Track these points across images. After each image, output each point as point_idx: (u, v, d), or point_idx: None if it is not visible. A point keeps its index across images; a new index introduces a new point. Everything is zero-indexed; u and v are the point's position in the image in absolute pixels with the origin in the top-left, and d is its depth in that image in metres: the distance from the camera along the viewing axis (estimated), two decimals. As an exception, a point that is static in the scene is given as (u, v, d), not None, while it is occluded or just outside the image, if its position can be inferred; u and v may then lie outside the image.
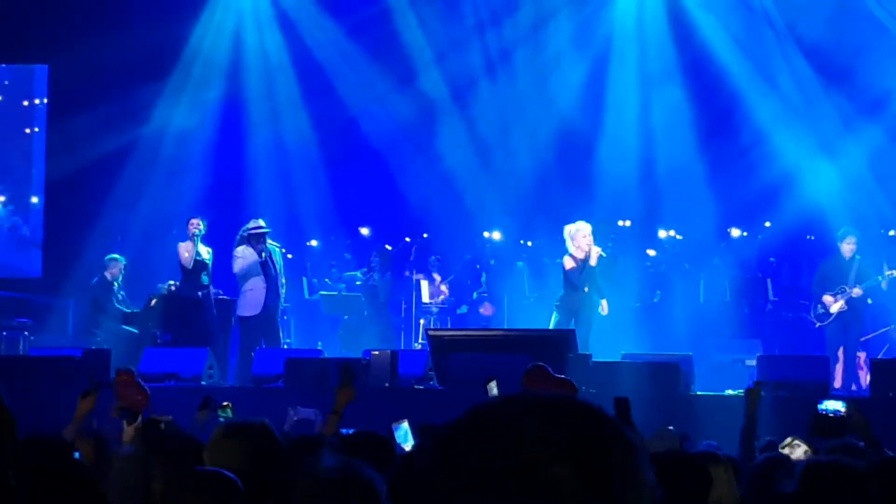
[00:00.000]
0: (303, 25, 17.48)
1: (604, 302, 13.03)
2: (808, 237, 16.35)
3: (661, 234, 16.78)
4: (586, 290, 12.94)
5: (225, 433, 3.84)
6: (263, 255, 13.54)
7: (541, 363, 6.70)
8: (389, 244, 16.89)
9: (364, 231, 17.47)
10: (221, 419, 6.23)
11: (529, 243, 17.14)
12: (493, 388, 6.22)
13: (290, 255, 15.75)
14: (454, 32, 17.17)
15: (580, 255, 12.94)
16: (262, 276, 13.53)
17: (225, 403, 7.04)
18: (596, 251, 12.97)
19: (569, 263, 12.99)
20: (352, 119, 17.32)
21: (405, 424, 6.27)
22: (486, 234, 17.34)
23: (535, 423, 1.37)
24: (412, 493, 1.44)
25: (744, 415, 6.57)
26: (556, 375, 6.84)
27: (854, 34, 15.94)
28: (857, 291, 13.36)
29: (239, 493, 3.67)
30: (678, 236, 16.64)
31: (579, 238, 12.96)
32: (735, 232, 16.29)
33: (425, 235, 17.40)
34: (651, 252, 16.68)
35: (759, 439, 6.61)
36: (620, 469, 1.36)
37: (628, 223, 16.74)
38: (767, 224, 16.35)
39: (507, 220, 17.01)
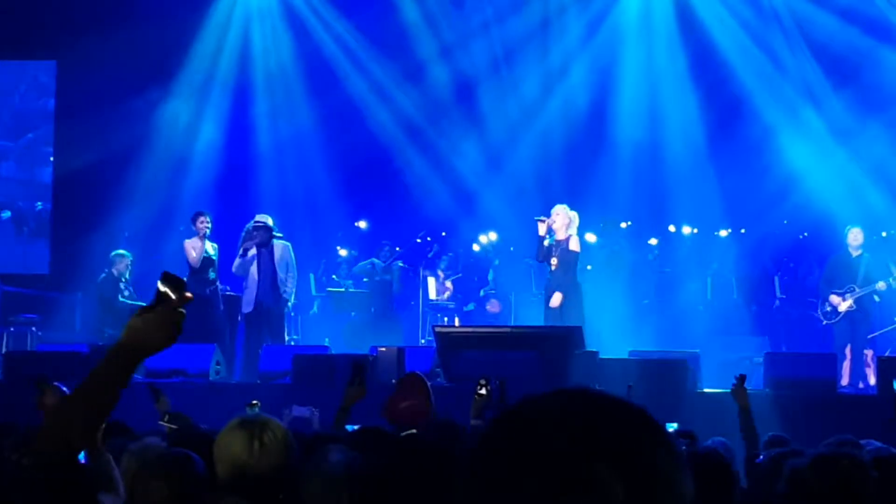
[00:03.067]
0: (309, 23, 17.49)
1: (557, 295, 12.88)
2: (801, 236, 16.29)
3: (671, 229, 16.72)
4: (553, 264, 12.86)
5: (239, 426, 3.84)
6: (250, 252, 13.49)
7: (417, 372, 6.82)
8: (403, 242, 16.86)
9: (361, 224, 17.41)
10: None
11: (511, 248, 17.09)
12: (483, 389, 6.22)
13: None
14: (461, 30, 17.17)
15: (557, 237, 12.95)
16: (256, 273, 13.52)
17: (254, 402, 7.03)
18: (558, 227, 12.94)
19: (545, 241, 12.98)
20: (358, 116, 17.30)
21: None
22: (483, 238, 17.38)
23: (580, 418, 1.38)
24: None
25: (738, 412, 6.64)
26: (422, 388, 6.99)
27: (862, 34, 15.92)
28: (881, 285, 13.37)
29: (200, 474, 3.68)
30: (694, 230, 16.57)
31: (553, 216, 13.03)
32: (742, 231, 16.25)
33: (444, 234, 17.37)
34: (653, 241, 16.63)
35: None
36: (662, 474, 1.37)
37: (625, 224, 16.69)
38: (785, 222, 16.29)
39: (513, 218, 16.98)
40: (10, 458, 4.10)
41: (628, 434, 1.38)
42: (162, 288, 2.68)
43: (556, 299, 12.77)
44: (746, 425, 6.62)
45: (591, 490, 1.33)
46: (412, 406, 6.37)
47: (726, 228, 16.46)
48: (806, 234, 16.29)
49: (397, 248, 16.77)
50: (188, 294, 2.68)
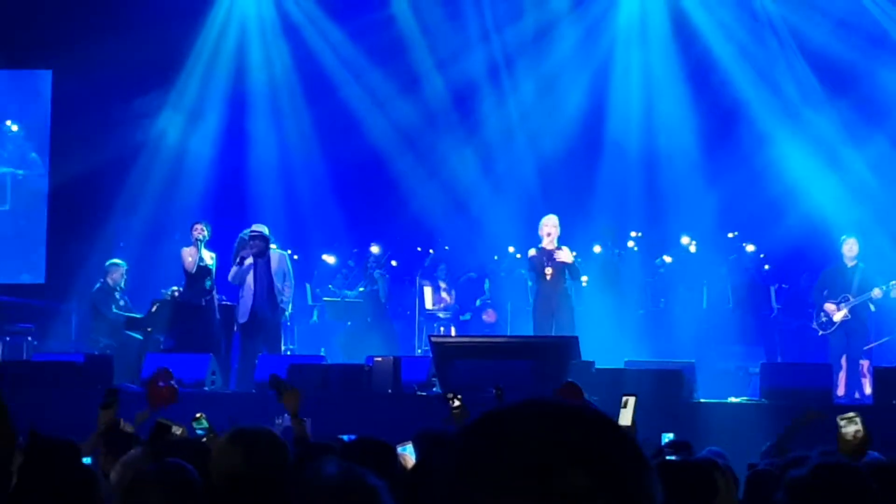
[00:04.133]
0: (306, 32, 17.50)
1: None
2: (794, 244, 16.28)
3: (685, 240, 16.61)
4: (548, 275, 12.94)
5: (233, 437, 3.84)
6: (247, 262, 13.49)
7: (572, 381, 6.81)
8: (399, 253, 16.83)
9: (374, 249, 17.18)
10: (199, 432, 6.22)
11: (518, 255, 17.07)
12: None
13: (295, 256, 15.74)
14: (457, 40, 17.18)
15: (545, 245, 13.04)
16: (252, 283, 13.51)
17: (199, 415, 7.02)
18: (548, 239, 13.03)
19: (531, 252, 13.14)
20: (355, 125, 17.30)
21: (409, 446, 6.24)
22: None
23: (552, 426, 1.39)
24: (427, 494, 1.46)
25: (791, 425, 6.61)
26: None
27: (858, 42, 15.95)
28: (877, 292, 13.36)
29: (196, 486, 3.67)
30: (692, 245, 16.53)
31: (541, 228, 13.12)
32: (750, 247, 16.18)
33: (447, 248, 17.35)
34: (667, 259, 16.58)
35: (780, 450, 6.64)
36: (635, 481, 1.38)
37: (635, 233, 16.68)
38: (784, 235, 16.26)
39: (511, 227, 16.97)
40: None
41: (602, 442, 1.39)
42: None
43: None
44: (788, 435, 6.58)
45: (570, 498, 1.34)
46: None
47: (721, 238, 16.44)
48: (801, 244, 16.26)
49: (387, 254, 16.74)
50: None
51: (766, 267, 16.15)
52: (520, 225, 16.65)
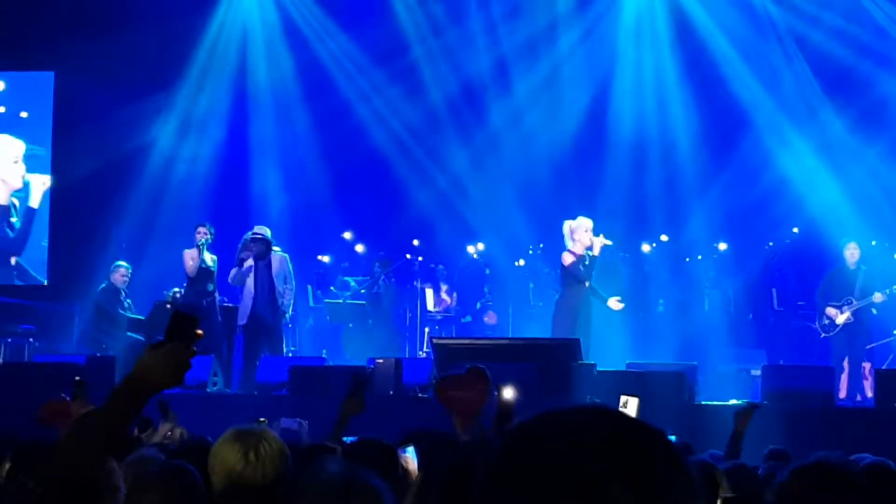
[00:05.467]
0: (306, 34, 17.50)
1: (615, 299, 13.01)
2: (787, 240, 16.26)
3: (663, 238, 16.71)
4: (587, 284, 12.91)
5: (234, 438, 3.84)
6: (246, 263, 13.49)
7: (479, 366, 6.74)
8: (392, 257, 16.82)
9: (359, 248, 17.35)
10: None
11: (521, 262, 17.06)
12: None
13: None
14: (458, 41, 17.18)
15: (579, 251, 12.90)
16: (252, 285, 13.51)
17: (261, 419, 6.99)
18: (599, 241, 12.93)
19: (568, 259, 12.92)
20: (357, 127, 17.30)
21: (410, 448, 6.23)
22: (471, 248, 17.39)
23: (602, 437, 1.35)
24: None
25: (734, 428, 6.61)
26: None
27: (858, 43, 15.95)
28: (878, 297, 13.35)
29: (197, 486, 3.67)
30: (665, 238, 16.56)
31: (580, 232, 12.93)
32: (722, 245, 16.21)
33: (417, 243, 17.30)
34: (646, 247, 16.63)
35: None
36: (677, 498, 1.34)
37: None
38: (795, 230, 16.24)
39: (509, 229, 16.97)
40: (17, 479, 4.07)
41: (649, 459, 1.35)
42: (173, 325, 2.68)
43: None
44: (733, 447, 6.58)
45: None
46: (466, 398, 6.32)
47: (724, 241, 16.45)
48: (800, 244, 16.26)
49: (387, 259, 16.74)
50: (199, 332, 2.68)
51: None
52: (520, 225, 16.67)
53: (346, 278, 17.04)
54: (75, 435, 2.72)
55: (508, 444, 1.39)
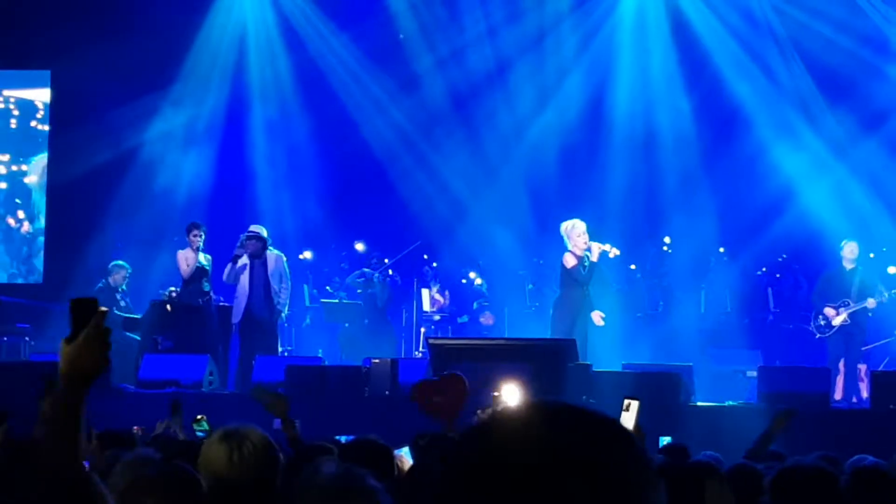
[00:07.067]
0: (306, 34, 17.50)
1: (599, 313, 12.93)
2: (780, 258, 16.25)
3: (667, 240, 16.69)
4: (585, 289, 12.89)
5: (220, 438, 3.83)
6: (240, 261, 13.49)
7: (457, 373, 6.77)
8: (388, 258, 16.81)
9: (359, 246, 17.35)
10: (199, 434, 6.21)
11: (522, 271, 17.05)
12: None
13: (307, 254, 15.72)
14: (457, 42, 17.18)
15: (579, 252, 12.86)
16: (248, 283, 13.50)
17: (199, 416, 7.01)
18: (597, 246, 12.87)
19: (570, 261, 12.81)
20: (353, 128, 17.30)
21: (406, 448, 6.24)
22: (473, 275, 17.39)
23: (554, 430, 1.34)
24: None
25: (766, 431, 6.56)
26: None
27: (857, 48, 15.96)
28: (871, 303, 13.35)
29: (199, 492, 3.67)
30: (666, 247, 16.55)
31: (574, 236, 12.87)
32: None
33: (426, 256, 17.32)
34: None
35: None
36: (638, 493, 1.33)
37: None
38: (783, 256, 16.24)
39: (508, 230, 16.96)
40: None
41: (606, 450, 1.33)
42: (74, 314, 2.66)
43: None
44: (760, 446, 6.54)
45: None
46: (444, 402, 6.33)
47: (720, 242, 16.46)
48: (782, 256, 16.26)
49: (385, 260, 16.73)
50: (103, 308, 2.65)
51: (763, 269, 16.18)
52: (520, 225, 16.66)
53: (347, 280, 17.03)
54: (42, 439, 2.71)
55: (458, 443, 1.39)
